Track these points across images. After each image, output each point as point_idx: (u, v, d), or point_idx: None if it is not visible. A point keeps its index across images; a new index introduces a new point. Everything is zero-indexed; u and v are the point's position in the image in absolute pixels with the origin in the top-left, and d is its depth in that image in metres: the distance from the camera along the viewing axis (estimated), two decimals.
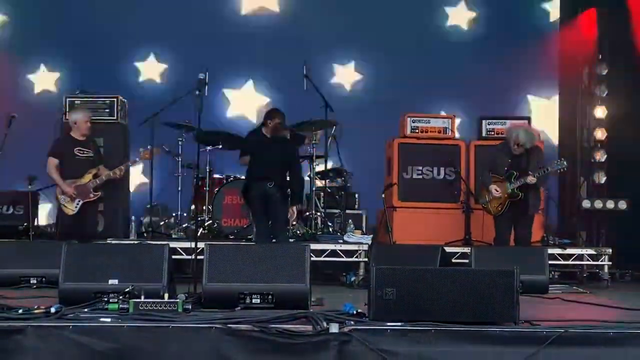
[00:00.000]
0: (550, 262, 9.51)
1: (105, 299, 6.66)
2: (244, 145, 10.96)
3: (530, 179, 10.08)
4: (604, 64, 12.90)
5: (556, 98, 14.21)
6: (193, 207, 11.66)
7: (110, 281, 6.93)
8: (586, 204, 12.44)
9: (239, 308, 6.84)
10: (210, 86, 9.67)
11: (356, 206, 12.65)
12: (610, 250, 11.14)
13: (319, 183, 12.05)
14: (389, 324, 6.08)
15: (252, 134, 10.95)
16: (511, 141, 10.26)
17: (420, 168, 11.80)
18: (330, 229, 11.67)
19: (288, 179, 10.37)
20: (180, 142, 11.75)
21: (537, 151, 10.48)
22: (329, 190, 12.11)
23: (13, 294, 7.89)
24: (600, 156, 12.88)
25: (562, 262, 11.04)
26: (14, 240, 10.90)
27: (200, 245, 7.76)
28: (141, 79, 14.66)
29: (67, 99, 11.90)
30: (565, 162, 10.38)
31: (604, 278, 11.05)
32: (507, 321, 6.21)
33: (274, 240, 10.07)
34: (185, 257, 10.10)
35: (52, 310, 6.22)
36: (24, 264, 9.05)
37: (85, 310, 6.49)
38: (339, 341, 5.93)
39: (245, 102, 14.68)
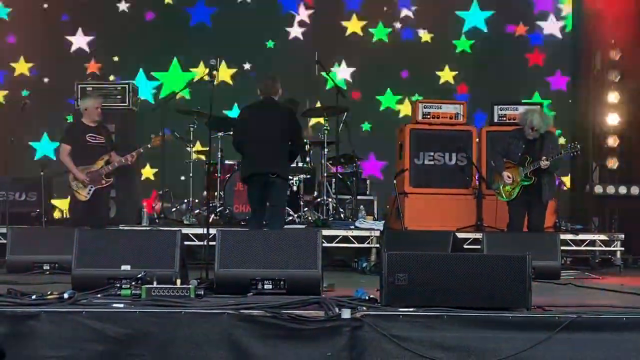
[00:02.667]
0: (562, 247, 9.50)
1: (118, 285, 6.69)
2: (238, 122, 10.05)
3: (544, 163, 10.04)
4: (616, 49, 12.82)
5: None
6: (205, 193, 11.67)
7: (123, 267, 6.95)
8: (598, 189, 12.41)
9: (251, 294, 6.86)
10: None
11: (367, 192, 12.64)
12: (623, 236, 11.12)
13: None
14: (401, 309, 6.09)
15: (244, 108, 10.10)
16: (526, 125, 10.23)
17: (432, 154, 11.77)
18: (342, 215, 11.67)
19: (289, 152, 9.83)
20: (191, 129, 11.77)
21: (551, 136, 10.43)
22: (340, 177, 12.10)
23: (26, 279, 7.93)
24: (613, 141, 12.82)
25: (574, 247, 11.04)
26: (27, 226, 10.93)
27: (212, 231, 7.77)
28: None
29: (79, 86, 11.94)
30: (579, 145, 10.35)
31: (617, 264, 11.04)
32: (519, 307, 6.21)
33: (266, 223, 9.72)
34: (197, 243, 10.12)
35: (65, 296, 6.27)
36: (37, 250, 9.10)
37: (98, 296, 6.54)
38: (351, 327, 5.95)
39: None
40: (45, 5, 14.12)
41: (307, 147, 11.47)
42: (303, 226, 10.87)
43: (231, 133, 11.27)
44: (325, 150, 11.61)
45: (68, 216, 11.28)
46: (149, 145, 11.03)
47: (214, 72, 8.73)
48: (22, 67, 14.15)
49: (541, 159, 10.06)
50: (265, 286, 6.94)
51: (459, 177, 11.70)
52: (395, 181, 11.67)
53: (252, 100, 9.95)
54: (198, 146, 12.42)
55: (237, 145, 9.83)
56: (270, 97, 9.68)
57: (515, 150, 10.32)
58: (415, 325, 5.99)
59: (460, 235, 9.81)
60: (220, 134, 11.58)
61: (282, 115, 9.68)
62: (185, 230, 8.59)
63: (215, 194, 11.49)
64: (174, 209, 12.11)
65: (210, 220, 10.41)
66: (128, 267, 6.94)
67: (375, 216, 12.00)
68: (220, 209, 11.36)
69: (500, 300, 6.22)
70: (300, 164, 11.33)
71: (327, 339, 5.94)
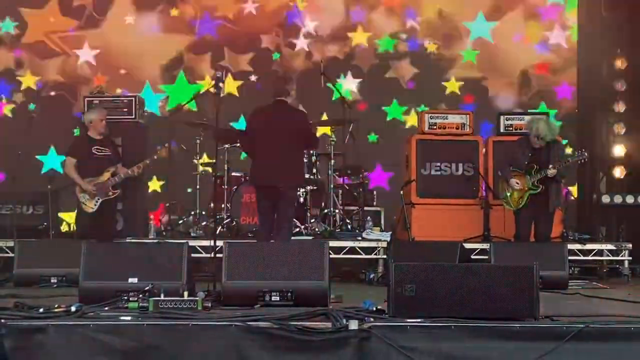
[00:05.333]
0: (569, 257, 9.48)
1: (125, 298, 6.68)
2: (247, 128, 9.96)
3: (551, 171, 10.04)
4: (622, 57, 12.82)
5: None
6: (211, 205, 11.68)
7: (130, 280, 6.96)
8: (606, 199, 12.38)
9: (258, 306, 6.85)
10: None
11: (374, 203, 12.63)
12: (630, 246, 11.08)
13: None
14: (408, 320, 6.08)
15: (253, 112, 9.87)
16: (532, 134, 10.24)
17: (439, 164, 11.75)
18: (349, 226, 11.66)
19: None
20: (197, 141, 11.79)
21: (557, 145, 10.44)
22: (347, 188, 12.09)
23: (34, 293, 7.93)
24: (620, 151, 12.80)
25: (582, 257, 11.00)
26: (34, 239, 10.93)
27: (219, 243, 7.77)
28: None
29: (86, 99, 11.96)
30: (586, 153, 10.33)
31: (624, 273, 11.00)
32: (527, 317, 6.20)
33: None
34: (204, 255, 10.11)
35: (73, 309, 6.26)
36: (45, 264, 9.09)
37: (106, 308, 6.53)
38: (359, 338, 5.94)
39: None
40: (52, 19, 14.14)
41: (314, 158, 11.46)
42: (310, 237, 10.85)
43: (237, 145, 11.28)
44: (332, 161, 11.60)
45: (75, 229, 11.28)
46: (155, 157, 11.04)
47: (220, 84, 8.72)
48: (28, 80, 14.19)
49: (548, 167, 10.07)
50: (273, 298, 6.93)
51: (465, 187, 11.69)
52: (402, 192, 11.67)
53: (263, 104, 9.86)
54: (205, 158, 12.42)
55: (246, 152, 9.88)
56: (281, 100, 9.53)
57: (522, 159, 10.32)
58: (423, 336, 5.97)
59: (467, 245, 9.82)
60: (226, 145, 11.59)
61: (293, 119, 9.54)
62: (192, 243, 8.59)
63: (222, 206, 11.49)
64: (181, 222, 12.12)
65: (217, 232, 10.41)
66: (135, 280, 6.94)
67: (382, 227, 11.98)
68: (227, 221, 11.36)
69: (508, 311, 6.21)
70: (307, 176, 11.32)
71: (335, 350, 5.93)
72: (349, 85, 14.19)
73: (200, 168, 11.89)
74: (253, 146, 9.62)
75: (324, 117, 13.10)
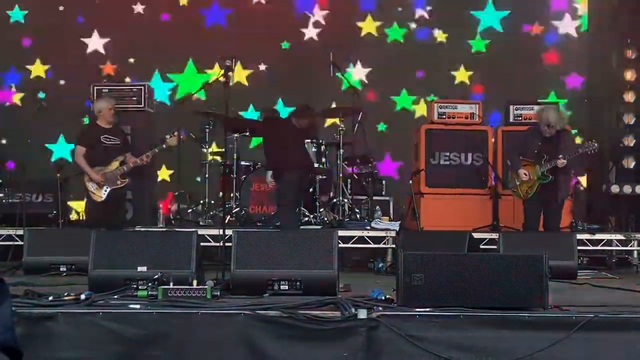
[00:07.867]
0: (579, 247, 9.46)
1: (135, 286, 6.70)
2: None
3: (561, 162, 10.01)
4: (632, 47, 12.76)
5: None
6: (221, 194, 11.69)
7: (139, 268, 6.97)
8: (615, 189, 12.35)
9: (267, 294, 6.86)
10: None
11: (383, 192, 12.62)
12: None
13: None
14: (417, 309, 6.09)
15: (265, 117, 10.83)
16: (541, 122, 10.21)
17: (448, 154, 11.74)
18: (358, 216, 11.66)
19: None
20: (207, 130, 11.78)
21: (567, 134, 10.42)
22: (356, 177, 12.09)
23: (43, 281, 7.96)
24: (630, 141, 12.76)
25: (591, 247, 10.98)
26: (43, 228, 10.96)
27: (228, 232, 7.78)
28: None
29: (95, 88, 11.96)
30: (596, 144, 10.27)
31: (634, 263, 10.99)
32: (536, 306, 6.19)
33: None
34: (213, 244, 10.12)
35: (82, 297, 6.29)
36: (54, 252, 9.10)
37: (115, 297, 6.54)
38: (367, 327, 5.95)
39: None
40: (62, 8, 14.17)
41: (322, 147, 11.49)
42: (319, 227, 10.86)
43: (247, 134, 11.33)
44: (341, 151, 11.60)
45: (84, 218, 11.30)
46: (164, 146, 11.05)
47: (229, 73, 8.72)
48: (38, 69, 14.22)
49: (558, 157, 10.04)
50: (282, 287, 6.94)
51: (474, 177, 11.68)
52: (411, 182, 11.66)
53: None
54: (214, 147, 12.43)
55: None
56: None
57: (532, 148, 10.30)
58: (432, 325, 5.98)
59: (476, 235, 9.78)
60: (236, 135, 11.59)
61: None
62: (201, 232, 8.60)
63: (231, 194, 11.50)
64: (190, 210, 12.13)
65: (226, 221, 10.43)
66: (144, 268, 6.96)
67: (391, 217, 11.98)
68: (236, 210, 11.37)
69: (517, 300, 6.20)
70: (316, 165, 11.34)
71: (344, 340, 5.94)
72: (358, 74, 14.19)
73: (210, 157, 11.90)
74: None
75: (333, 106, 13.08)
